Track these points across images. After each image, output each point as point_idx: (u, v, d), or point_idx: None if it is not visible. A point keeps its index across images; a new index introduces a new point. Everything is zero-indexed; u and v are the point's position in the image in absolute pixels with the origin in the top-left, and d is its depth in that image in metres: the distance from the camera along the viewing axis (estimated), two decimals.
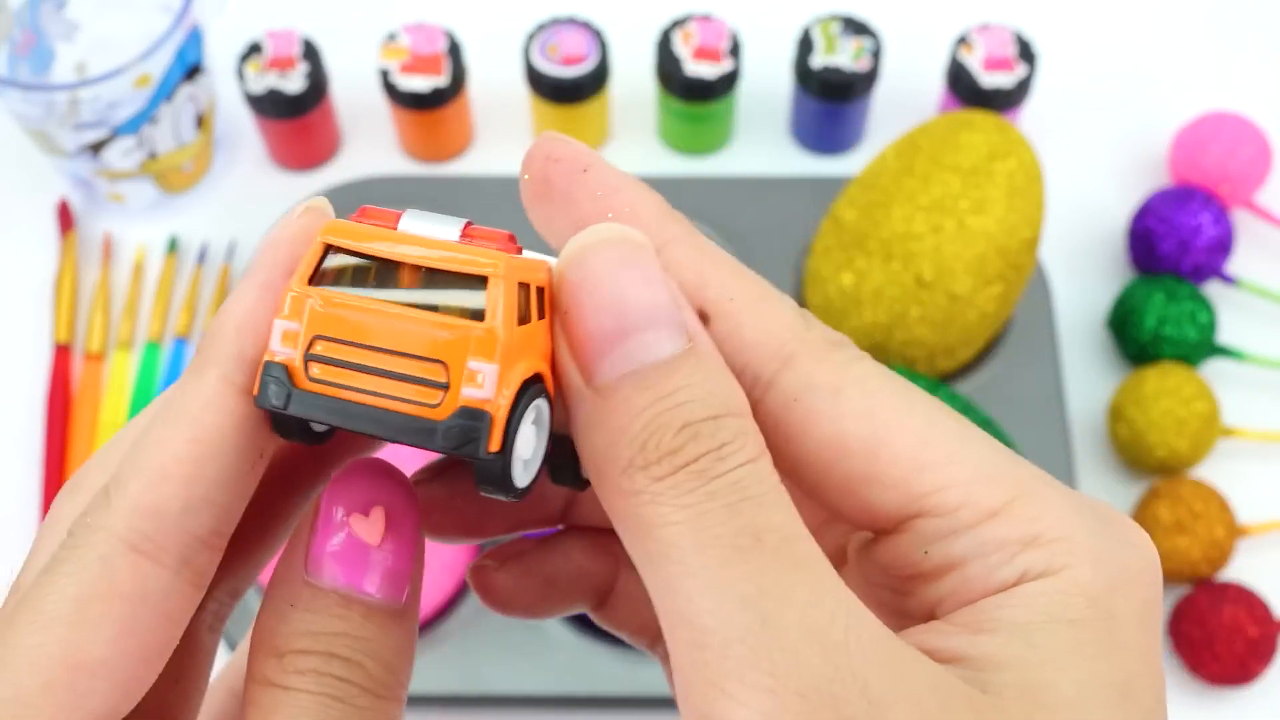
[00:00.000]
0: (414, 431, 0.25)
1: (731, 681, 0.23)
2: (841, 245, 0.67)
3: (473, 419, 0.24)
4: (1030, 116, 0.80)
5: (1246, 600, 0.63)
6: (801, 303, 0.71)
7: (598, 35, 0.76)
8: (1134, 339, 0.71)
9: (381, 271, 0.26)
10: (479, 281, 0.25)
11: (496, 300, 0.24)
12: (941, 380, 0.67)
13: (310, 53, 0.76)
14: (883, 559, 0.26)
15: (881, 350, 0.67)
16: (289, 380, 0.25)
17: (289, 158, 0.81)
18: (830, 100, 0.76)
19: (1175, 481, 0.67)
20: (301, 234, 0.29)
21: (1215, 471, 0.70)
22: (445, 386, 0.25)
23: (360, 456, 0.27)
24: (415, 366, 0.25)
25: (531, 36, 0.77)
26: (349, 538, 0.26)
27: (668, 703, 0.62)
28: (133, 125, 0.72)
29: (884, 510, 0.25)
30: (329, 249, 0.27)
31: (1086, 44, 0.86)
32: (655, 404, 0.24)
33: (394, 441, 0.26)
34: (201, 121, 0.77)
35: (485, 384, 0.24)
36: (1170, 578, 0.66)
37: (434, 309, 0.25)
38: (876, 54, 0.75)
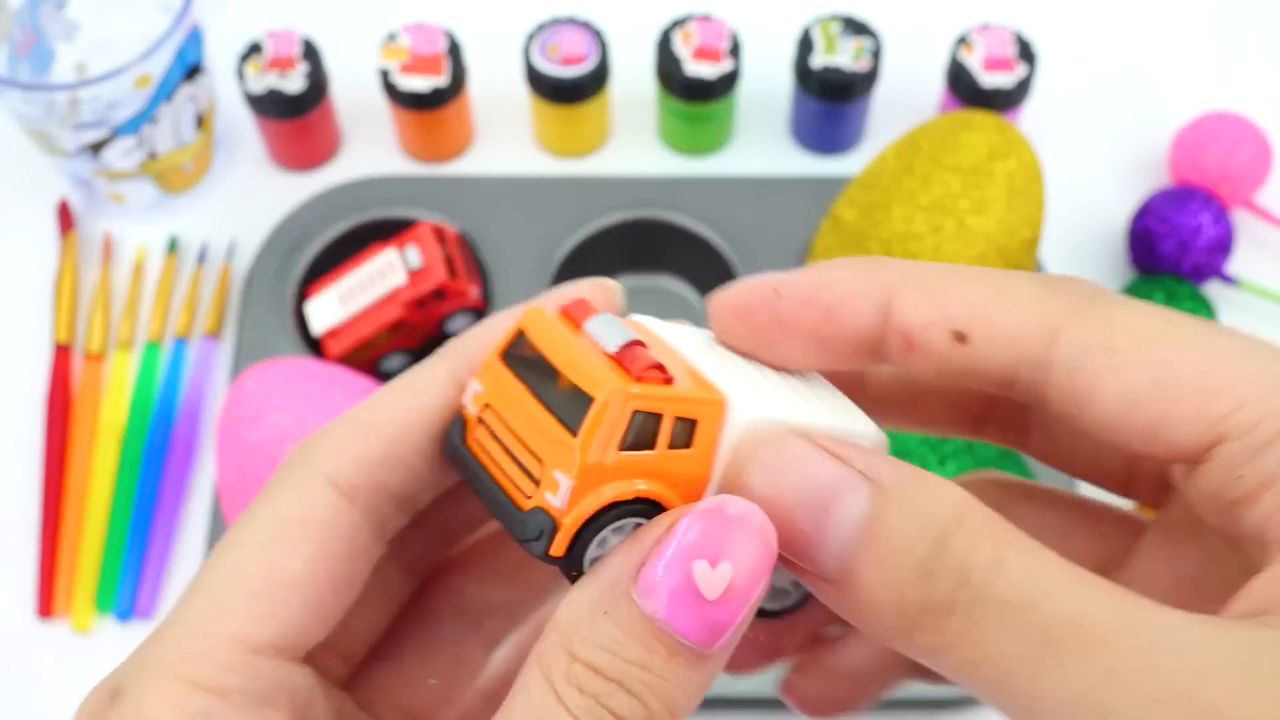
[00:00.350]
0: (505, 513, 0.27)
1: None
2: (842, 245, 0.67)
3: (538, 521, 0.26)
4: (1030, 116, 0.80)
5: None
6: None
7: (598, 35, 0.76)
8: None
9: (546, 367, 0.27)
10: (590, 400, 0.26)
11: (594, 422, 0.26)
12: None
13: (310, 53, 0.76)
14: (1204, 489, 0.26)
15: None
16: (462, 433, 0.29)
17: (289, 158, 0.81)
18: (830, 100, 0.76)
19: None
20: (569, 297, 0.30)
21: None
22: (538, 483, 0.26)
23: (738, 501, 0.25)
24: (530, 460, 0.27)
25: (531, 36, 0.77)
26: (686, 581, 0.24)
27: None
28: (133, 125, 0.72)
29: (1187, 444, 0.26)
30: (520, 333, 0.29)
31: (1086, 44, 0.86)
32: (886, 572, 0.24)
33: (493, 515, 0.28)
34: (201, 121, 0.77)
35: (560, 494, 0.26)
36: None
37: (558, 414, 0.26)
38: (876, 54, 0.75)
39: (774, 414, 0.27)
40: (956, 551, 0.24)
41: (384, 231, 0.74)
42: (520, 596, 0.33)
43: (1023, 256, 0.64)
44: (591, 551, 0.26)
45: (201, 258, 0.77)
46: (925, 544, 0.24)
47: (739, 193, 0.75)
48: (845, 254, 0.66)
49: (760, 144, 0.82)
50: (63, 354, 0.74)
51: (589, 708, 0.24)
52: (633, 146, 0.82)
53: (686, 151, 0.81)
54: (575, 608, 0.25)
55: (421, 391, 0.28)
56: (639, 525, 0.26)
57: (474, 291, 0.71)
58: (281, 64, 0.76)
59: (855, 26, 0.76)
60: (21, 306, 0.77)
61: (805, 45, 0.76)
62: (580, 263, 0.74)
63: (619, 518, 0.26)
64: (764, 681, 0.62)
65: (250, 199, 0.80)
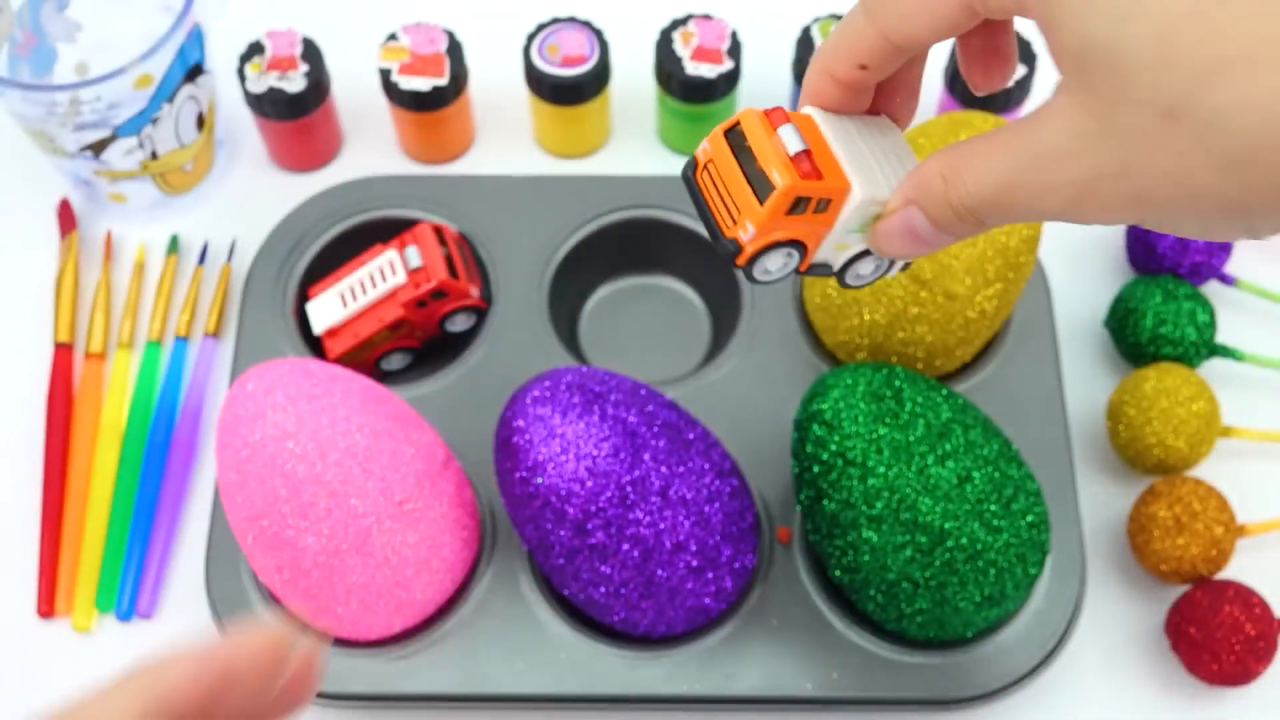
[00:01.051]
0: (714, 232, 0.45)
1: None
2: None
3: (734, 246, 0.45)
4: None
5: (1245, 599, 0.63)
6: (801, 302, 0.72)
7: (598, 35, 0.77)
8: (1133, 339, 0.71)
9: (749, 152, 0.44)
10: (772, 187, 0.44)
11: (773, 202, 0.44)
12: (941, 380, 0.68)
13: (311, 53, 0.76)
14: None
15: (880, 350, 0.67)
16: (694, 169, 0.46)
17: (289, 158, 0.81)
18: None
19: (1174, 481, 0.67)
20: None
21: (1214, 471, 0.70)
22: (735, 223, 0.45)
23: None
24: (733, 206, 0.45)
25: (531, 36, 0.77)
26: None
27: (668, 702, 0.62)
28: (134, 126, 0.73)
29: None
30: (737, 123, 0.45)
31: None
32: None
33: (706, 230, 0.46)
34: (202, 122, 0.77)
35: (748, 233, 0.44)
36: (1169, 577, 0.66)
37: (754, 185, 0.44)
38: None
39: (870, 194, 0.45)
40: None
41: (384, 231, 0.74)
42: None
43: (1022, 256, 0.65)
44: (759, 264, 0.46)
45: (202, 258, 0.78)
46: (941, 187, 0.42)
47: None
48: None
49: None
50: (63, 354, 0.74)
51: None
52: (633, 147, 0.82)
53: (687, 152, 0.81)
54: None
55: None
56: (787, 251, 0.46)
57: (474, 291, 0.71)
58: (282, 64, 0.76)
59: None
60: (22, 306, 0.77)
61: (805, 45, 0.76)
62: (580, 262, 0.74)
63: (775, 248, 0.45)
64: (763, 682, 0.62)
65: (251, 199, 0.80)
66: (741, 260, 0.45)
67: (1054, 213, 0.38)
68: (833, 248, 0.47)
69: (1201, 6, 0.32)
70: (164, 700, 0.32)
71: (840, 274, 0.49)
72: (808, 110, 0.47)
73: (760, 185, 0.44)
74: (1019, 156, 0.38)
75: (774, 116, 0.46)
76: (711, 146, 0.46)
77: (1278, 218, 0.34)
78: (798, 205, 0.44)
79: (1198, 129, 0.33)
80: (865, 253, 0.48)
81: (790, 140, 0.45)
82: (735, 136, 0.45)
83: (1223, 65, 0.32)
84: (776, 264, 0.46)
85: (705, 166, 0.46)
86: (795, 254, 0.46)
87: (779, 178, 0.44)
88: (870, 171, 0.46)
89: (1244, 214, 0.34)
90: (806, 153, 0.44)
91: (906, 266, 0.51)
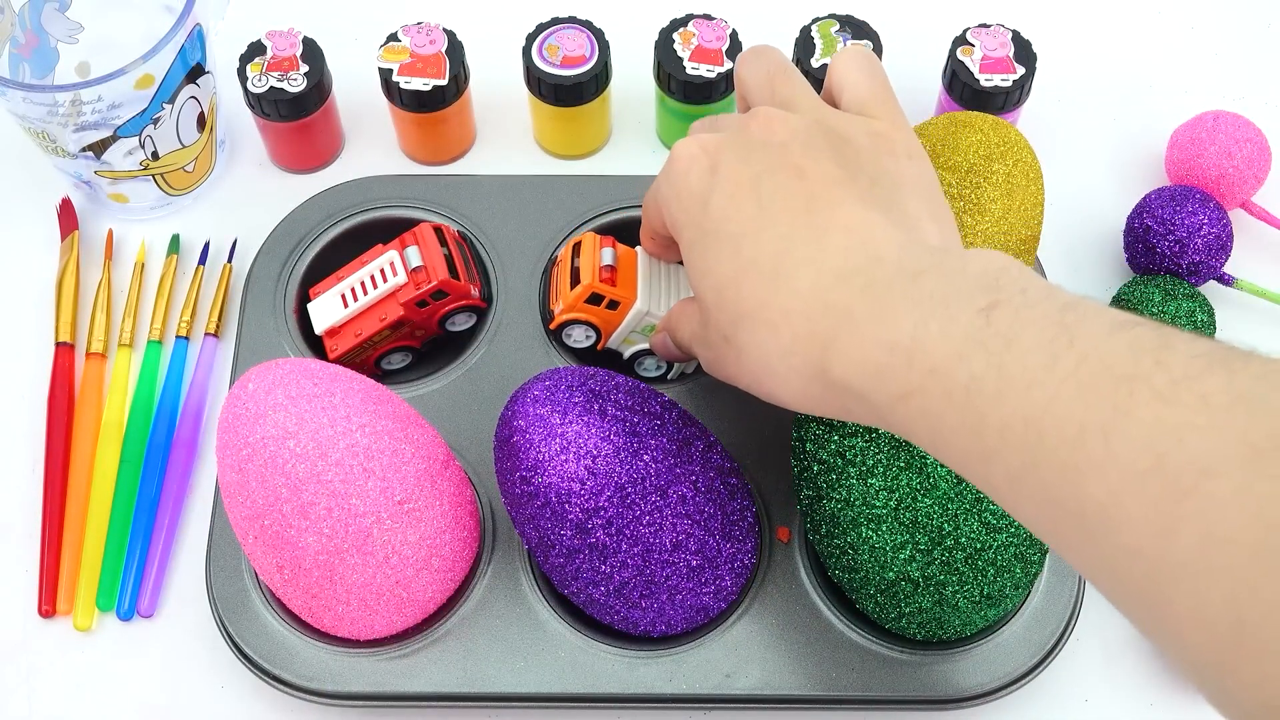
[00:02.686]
0: (543, 303, 0.71)
1: None
2: None
3: (550, 314, 0.68)
4: (1028, 117, 0.81)
5: None
6: None
7: (598, 36, 0.77)
8: None
9: (577, 260, 0.68)
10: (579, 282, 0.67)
11: (578, 292, 0.67)
12: None
13: (311, 53, 0.77)
14: None
15: None
16: (553, 261, 0.72)
17: (290, 159, 0.81)
18: (830, 101, 0.76)
19: None
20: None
21: None
22: (558, 299, 0.68)
23: None
24: (559, 289, 0.68)
25: (531, 37, 0.77)
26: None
27: (668, 702, 0.62)
28: (135, 126, 0.73)
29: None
30: (580, 241, 0.69)
31: (1084, 45, 0.86)
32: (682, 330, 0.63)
33: (544, 300, 0.72)
34: (203, 122, 0.77)
35: (558, 306, 0.68)
36: None
37: (573, 278, 0.68)
38: (875, 55, 0.75)
39: (648, 307, 0.67)
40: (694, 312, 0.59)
41: (384, 231, 0.74)
42: None
43: (1022, 256, 0.65)
44: (565, 331, 0.69)
45: (203, 258, 0.78)
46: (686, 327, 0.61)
47: None
48: None
49: None
50: (64, 353, 0.74)
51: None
52: (633, 147, 0.82)
53: None
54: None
55: None
56: (585, 329, 0.68)
57: (475, 291, 0.71)
58: (283, 65, 0.76)
59: (854, 27, 0.76)
60: (23, 306, 0.77)
61: (805, 46, 0.76)
62: None
63: (575, 324, 0.68)
64: (763, 682, 0.62)
65: (251, 199, 0.80)
66: (553, 325, 0.68)
67: (709, 371, 0.58)
68: (621, 340, 0.69)
69: (735, 278, 0.52)
70: None
71: (629, 361, 0.70)
72: (639, 248, 0.68)
73: (575, 280, 0.67)
74: (688, 331, 0.60)
75: (604, 241, 0.68)
76: (563, 253, 0.69)
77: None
78: (595, 299, 0.66)
79: (735, 350, 0.53)
80: (648, 352, 0.69)
81: (605, 258, 0.67)
82: (577, 248, 0.69)
83: (741, 316, 0.52)
84: (579, 335, 0.69)
85: (557, 263, 0.70)
86: (593, 334, 0.68)
87: (585, 277, 0.67)
88: (657, 294, 0.67)
89: (767, 396, 0.54)
90: (612, 268, 0.67)
91: (681, 373, 0.70)
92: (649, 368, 0.70)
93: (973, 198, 0.62)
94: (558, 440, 0.57)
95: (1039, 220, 0.65)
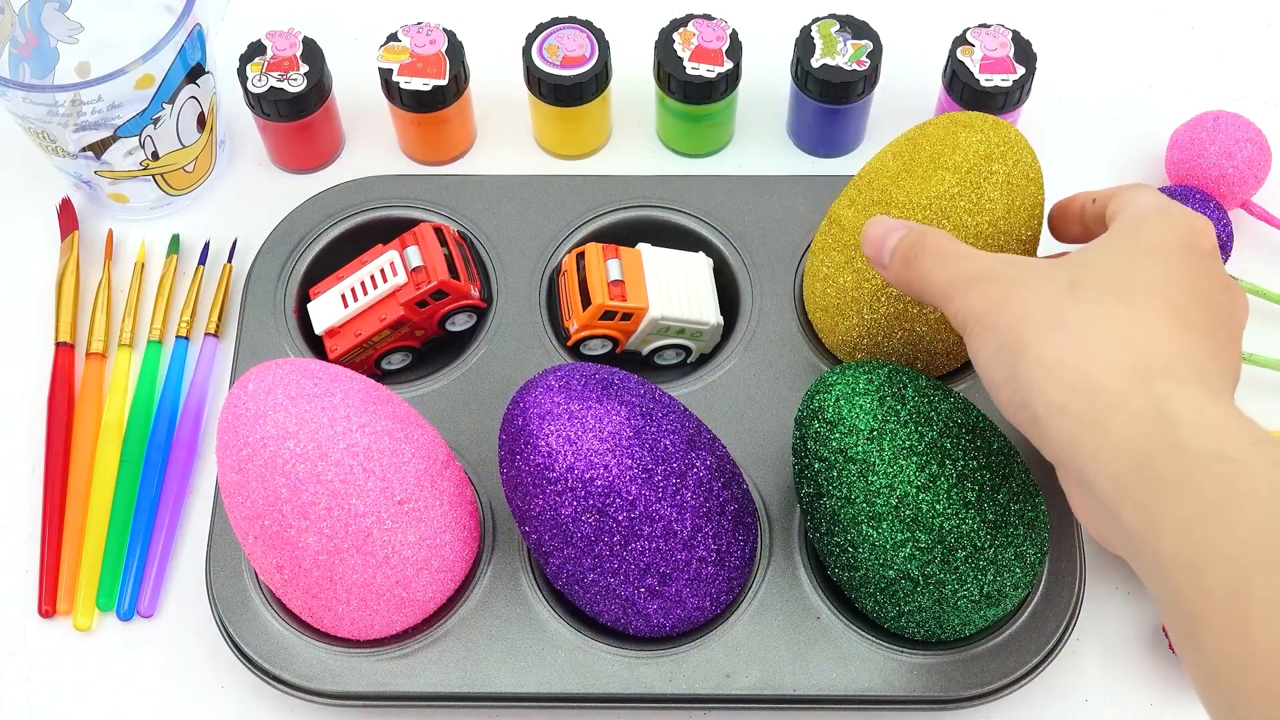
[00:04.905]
0: (557, 321, 0.72)
1: None
2: (840, 245, 0.67)
3: (566, 333, 0.70)
4: (1028, 117, 0.81)
5: None
6: (801, 302, 0.72)
7: (598, 36, 0.77)
8: None
9: (585, 273, 0.70)
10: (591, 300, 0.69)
11: (590, 311, 0.69)
12: (941, 379, 0.68)
13: (311, 53, 0.77)
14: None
15: (880, 349, 0.67)
16: (558, 271, 0.73)
17: (290, 159, 0.81)
18: (829, 101, 0.77)
19: None
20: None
21: None
22: (571, 317, 0.70)
23: None
24: (570, 306, 0.70)
25: (531, 37, 0.77)
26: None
27: (668, 702, 0.62)
28: (135, 126, 0.73)
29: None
30: (583, 251, 0.71)
31: (1084, 45, 0.86)
32: (899, 255, 0.58)
33: (557, 316, 0.72)
34: (203, 122, 0.77)
35: (573, 326, 0.69)
36: None
37: (583, 295, 0.70)
38: (875, 55, 0.76)
39: (661, 314, 0.69)
40: (926, 236, 0.57)
41: (384, 231, 0.74)
42: None
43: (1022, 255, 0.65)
44: (584, 344, 0.70)
45: (203, 257, 0.78)
46: (914, 237, 0.57)
47: (738, 192, 0.75)
48: (845, 254, 0.66)
49: (760, 145, 0.82)
50: (65, 353, 0.74)
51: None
52: (633, 147, 0.82)
53: (686, 152, 0.81)
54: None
55: None
56: (603, 341, 0.70)
57: (475, 291, 0.71)
58: (283, 65, 0.76)
59: (854, 28, 0.76)
60: (23, 306, 0.77)
61: (804, 46, 0.76)
62: None
63: (595, 337, 0.69)
64: (763, 681, 0.62)
65: (252, 199, 0.80)
66: (570, 342, 0.70)
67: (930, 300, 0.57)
68: (639, 342, 0.70)
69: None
70: None
71: (648, 357, 0.72)
72: (640, 246, 0.70)
73: (586, 297, 0.68)
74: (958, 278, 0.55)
75: (608, 251, 0.70)
76: (567, 261, 0.71)
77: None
78: (607, 315, 0.68)
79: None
80: (666, 346, 0.71)
81: (612, 271, 0.68)
82: (581, 260, 0.70)
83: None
84: (596, 345, 0.70)
85: (563, 273, 0.71)
86: (610, 344, 0.70)
87: (596, 296, 0.68)
88: (669, 297, 0.69)
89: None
90: (620, 281, 0.68)
91: (701, 356, 0.71)
92: (668, 358, 0.72)
93: (972, 198, 0.62)
94: (578, 423, 0.57)
95: (1039, 220, 0.65)
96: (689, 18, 0.77)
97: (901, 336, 0.66)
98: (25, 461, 0.72)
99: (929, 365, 0.68)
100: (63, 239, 0.78)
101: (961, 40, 0.76)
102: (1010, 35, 0.76)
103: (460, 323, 0.72)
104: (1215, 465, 0.43)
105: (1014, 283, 0.51)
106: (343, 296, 0.71)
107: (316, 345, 0.72)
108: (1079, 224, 0.61)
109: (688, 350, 0.72)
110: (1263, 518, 0.42)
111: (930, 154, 0.64)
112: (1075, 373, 0.47)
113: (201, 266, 0.77)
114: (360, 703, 0.63)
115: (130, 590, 0.68)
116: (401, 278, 0.69)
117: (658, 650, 0.63)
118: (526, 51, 0.76)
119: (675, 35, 0.76)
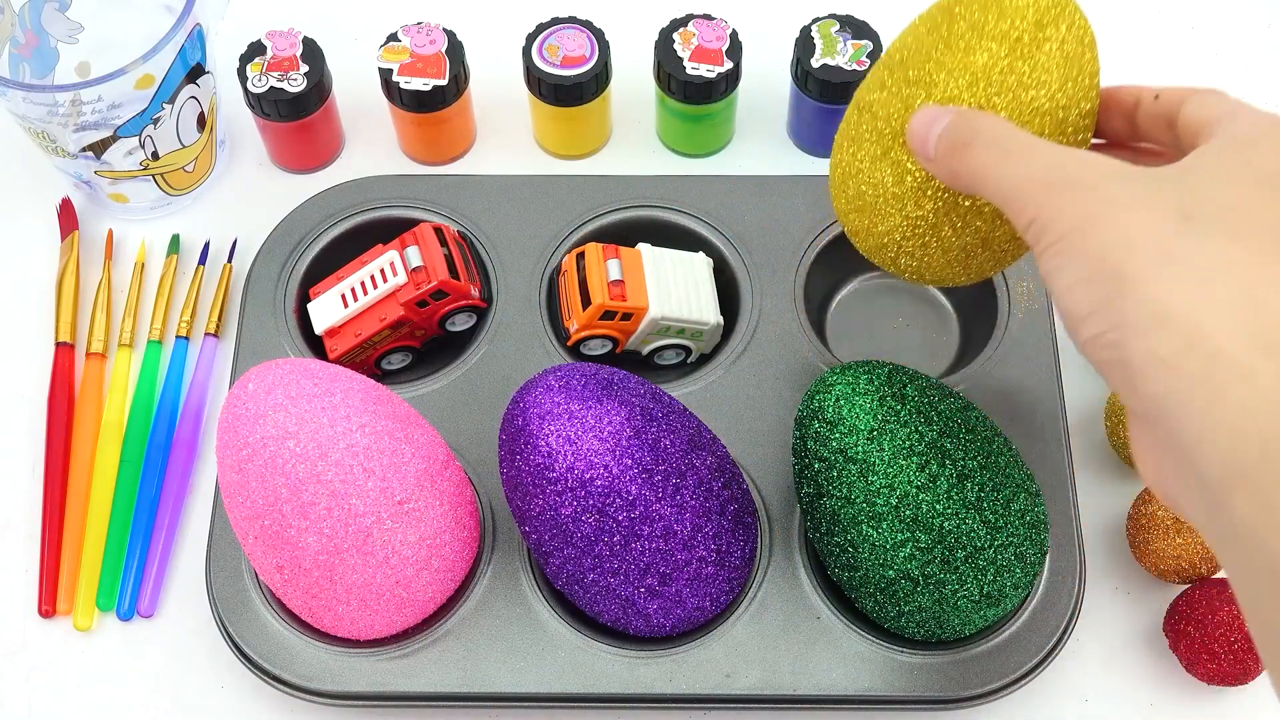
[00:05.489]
0: (557, 320, 0.71)
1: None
2: (875, 134, 0.57)
3: (566, 332, 0.70)
4: None
5: None
6: (804, 302, 0.72)
7: (598, 36, 0.77)
8: None
9: (584, 273, 0.70)
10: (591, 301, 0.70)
11: (589, 311, 0.68)
12: (939, 378, 0.68)
13: (311, 53, 0.77)
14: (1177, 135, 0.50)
15: (928, 248, 0.58)
16: (558, 271, 0.73)
17: (290, 159, 0.81)
18: (829, 101, 0.77)
19: None
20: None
21: None
22: (571, 317, 0.70)
23: None
24: (571, 304, 0.70)
25: (531, 37, 0.77)
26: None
27: (668, 702, 0.62)
28: (135, 126, 0.73)
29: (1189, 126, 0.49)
30: (583, 251, 0.71)
31: None
32: (946, 140, 0.51)
33: (558, 315, 0.72)
34: (203, 122, 0.77)
35: (573, 326, 0.69)
36: (1168, 577, 0.66)
37: (583, 295, 0.69)
38: (875, 55, 0.75)
39: (661, 313, 0.68)
40: (981, 122, 0.50)
41: (384, 231, 0.74)
42: None
43: (1082, 134, 0.56)
44: (584, 344, 0.70)
45: (203, 257, 0.78)
46: (965, 122, 0.50)
47: (738, 192, 0.75)
48: (879, 144, 0.57)
49: (760, 145, 0.82)
50: (65, 353, 0.74)
51: None
52: (633, 147, 0.82)
53: (686, 152, 0.81)
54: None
55: None
56: (603, 341, 0.70)
57: (475, 291, 0.71)
58: (283, 65, 0.76)
59: (854, 28, 0.76)
60: (23, 306, 0.77)
61: (804, 46, 0.76)
62: None
63: (595, 337, 0.69)
64: (763, 681, 0.62)
65: (252, 199, 0.80)
66: (570, 342, 0.70)
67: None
68: (639, 342, 0.71)
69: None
70: None
71: (648, 357, 0.72)
72: (640, 246, 0.71)
73: (586, 297, 0.69)
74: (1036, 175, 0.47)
75: (608, 251, 0.70)
76: (567, 261, 0.71)
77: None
78: (607, 315, 0.68)
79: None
80: (666, 346, 0.71)
81: (612, 271, 0.68)
82: (581, 260, 0.70)
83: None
84: (596, 345, 0.70)
85: (563, 273, 0.71)
86: (610, 344, 0.71)
87: (596, 296, 0.68)
88: (669, 297, 0.69)
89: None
90: (620, 281, 0.68)
91: (701, 356, 0.72)
92: (668, 358, 0.72)
93: (1025, 70, 0.54)
94: (578, 423, 0.57)
95: (1097, 91, 0.55)
96: (689, 18, 0.77)
97: (951, 233, 0.57)
98: (25, 461, 0.72)
99: (985, 262, 0.59)
100: (63, 239, 0.78)
101: None
102: None
103: (460, 323, 0.72)
104: None
105: (1109, 201, 0.43)
106: (343, 296, 0.71)
107: (316, 345, 0.72)
108: (1127, 120, 0.53)
109: (688, 350, 0.72)
110: None
111: (971, 22, 0.54)
112: (1191, 326, 0.39)
113: (201, 266, 0.77)
114: (360, 703, 0.63)
115: (130, 590, 0.68)
116: (401, 278, 0.69)
117: (658, 650, 0.63)
118: (526, 51, 0.76)
119: (675, 35, 0.76)
